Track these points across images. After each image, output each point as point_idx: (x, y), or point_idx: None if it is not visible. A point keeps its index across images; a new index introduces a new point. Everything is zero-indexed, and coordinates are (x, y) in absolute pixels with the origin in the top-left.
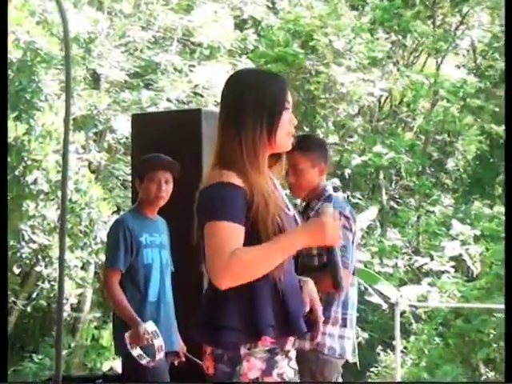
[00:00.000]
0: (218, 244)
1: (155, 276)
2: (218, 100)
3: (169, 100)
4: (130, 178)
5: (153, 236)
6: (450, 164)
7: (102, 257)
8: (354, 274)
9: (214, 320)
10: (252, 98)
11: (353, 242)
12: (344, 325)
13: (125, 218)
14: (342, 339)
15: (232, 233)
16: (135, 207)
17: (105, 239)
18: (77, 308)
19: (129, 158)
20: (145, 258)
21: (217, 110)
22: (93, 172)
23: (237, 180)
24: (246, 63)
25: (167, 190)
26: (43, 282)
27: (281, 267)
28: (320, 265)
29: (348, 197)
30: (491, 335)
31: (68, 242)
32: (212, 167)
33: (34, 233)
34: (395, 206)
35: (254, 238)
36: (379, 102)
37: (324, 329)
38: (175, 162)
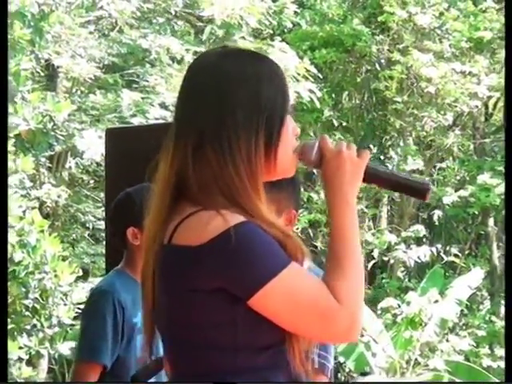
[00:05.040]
0: (307, 295)
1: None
2: None
3: (163, 106)
4: (103, 224)
5: None
6: None
7: (61, 346)
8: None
9: None
10: (241, 97)
11: None
12: None
13: (113, 286)
14: None
15: (303, 273)
16: (123, 269)
17: (65, 320)
18: None
19: (102, 195)
20: (138, 348)
21: None
22: (46, 217)
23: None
24: (281, 48)
25: None
26: None
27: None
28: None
29: (438, 252)
30: None
31: (7, 324)
32: (180, 210)
33: None
34: None
35: None
36: (486, 108)
37: None
38: None
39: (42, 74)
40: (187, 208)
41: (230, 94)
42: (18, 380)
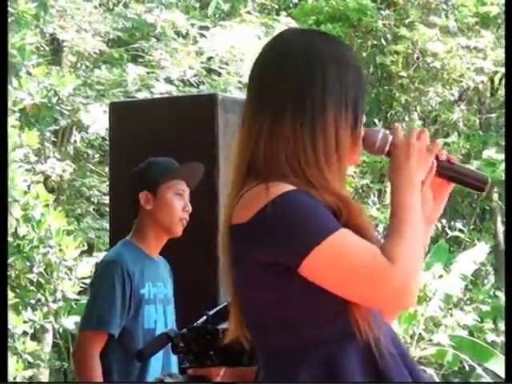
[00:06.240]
0: (356, 257)
1: None
2: (244, 80)
3: (168, 80)
4: (107, 199)
5: (156, 286)
6: None
7: (66, 321)
8: None
9: None
10: (329, 75)
11: None
12: None
13: (122, 256)
14: None
15: (352, 238)
16: (130, 240)
17: (69, 294)
18: None
19: (107, 169)
20: (146, 319)
21: (242, 95)
22: (51, 191)
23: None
24: (287, 23)
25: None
26: None
27: (366, 317)
28: None
29: (443, 227)
30: None
31: (11, 298)
32: (241, 184)
33: None
34: None
35: None
36: (492, 83)
37: None
38: (202, 165)
39: (47, 48)
40: (249, 185)
41: (318, 71)
42: (23, 355)
